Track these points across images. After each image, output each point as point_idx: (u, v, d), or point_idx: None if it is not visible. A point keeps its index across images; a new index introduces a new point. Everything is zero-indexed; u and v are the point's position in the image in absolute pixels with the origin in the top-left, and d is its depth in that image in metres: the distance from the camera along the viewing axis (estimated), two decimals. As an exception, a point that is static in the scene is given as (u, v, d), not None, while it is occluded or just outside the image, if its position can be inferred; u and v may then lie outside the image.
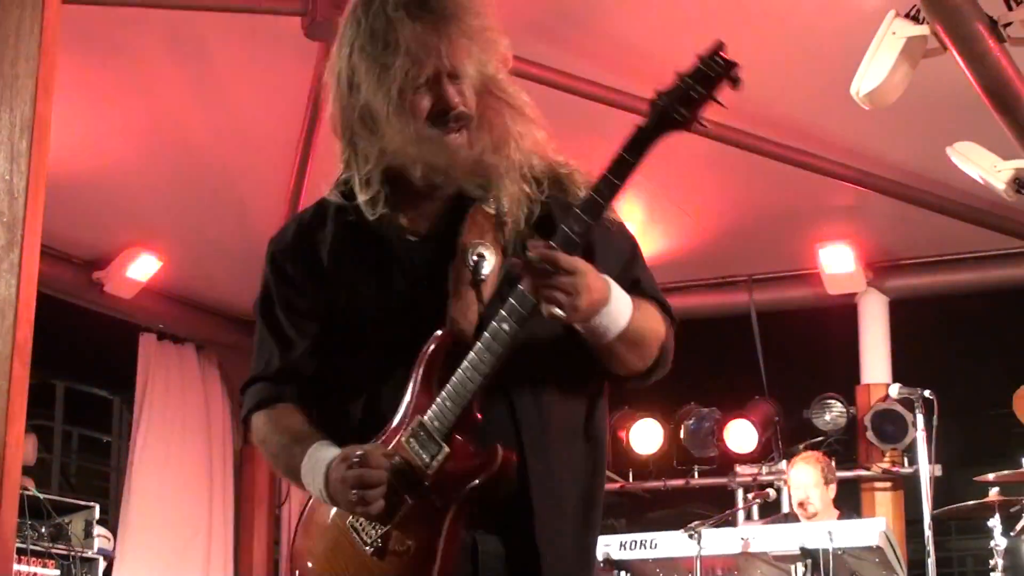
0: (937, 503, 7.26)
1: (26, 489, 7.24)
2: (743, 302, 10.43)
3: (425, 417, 2.71)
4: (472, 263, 2.77)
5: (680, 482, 10.19)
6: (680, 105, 2.62)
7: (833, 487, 8.05)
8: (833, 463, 8.66)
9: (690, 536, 7.01)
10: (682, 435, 10.06)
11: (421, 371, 2.75)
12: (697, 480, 10.15)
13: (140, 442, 10.44)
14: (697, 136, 8.54)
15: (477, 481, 2.66)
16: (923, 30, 6.11)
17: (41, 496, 7.32)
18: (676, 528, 7.11)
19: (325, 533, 2.86)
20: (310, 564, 2.87)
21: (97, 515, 7.64)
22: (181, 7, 7.41)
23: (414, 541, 2.70)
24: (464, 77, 2.78)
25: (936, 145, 7.39)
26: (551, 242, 2.58)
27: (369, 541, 2.75)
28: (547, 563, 2.72)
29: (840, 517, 7.77)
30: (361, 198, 2.85)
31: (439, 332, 2.75)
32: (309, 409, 2.94)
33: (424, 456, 2.69)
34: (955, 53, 6.10)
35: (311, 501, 2.93)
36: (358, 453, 2.67)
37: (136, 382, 10.57)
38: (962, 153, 7.06)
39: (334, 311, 2.90)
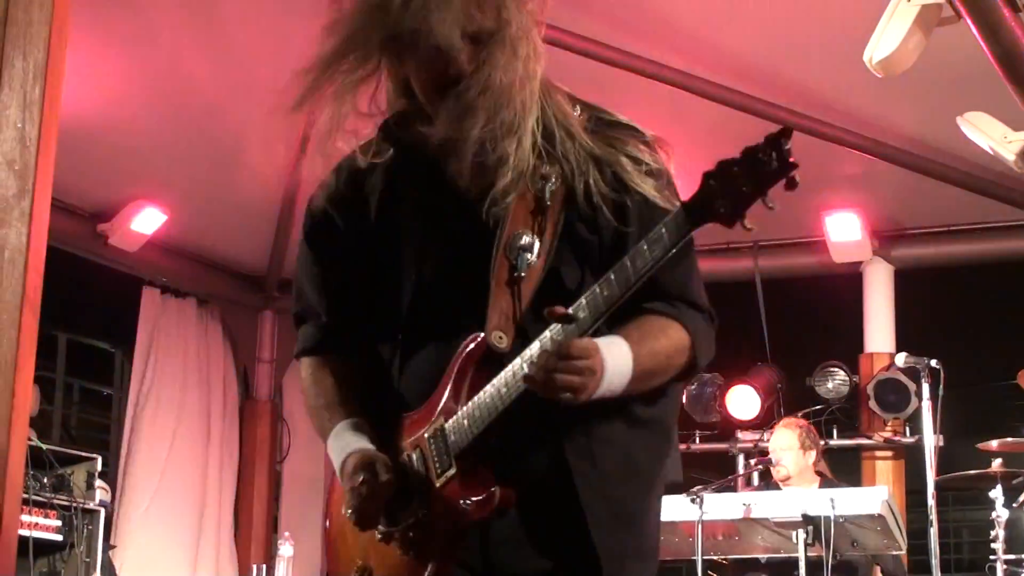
0: (938, 473, 7.27)
1: (29, 440, 7.25)
2: (748, 268, 10.41)
3: (447, 425, 2.69)
4: (514, 260, 2.69)
5: (681, 447, 10.16)
6: (725, 198, 2.42)
7: (813, 454, 7.97)
8: (834, 432, 8.67)
9: (692, 500, 7.01)
10: (684, 400, 10.06)
11: (455, 371, 2.72)
12: (698, 445, 10.15)
13: (140, 396, 10.44)
14: (706, 100, 8.54)
15: (468, 521, 2.67)
16: (938, -2, 6.08)
17: (44, 447, 7.33)
18: (678, 493, 7.11)
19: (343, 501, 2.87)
20: (340, 518, 2.86)
21: (99, 467, 7.65)
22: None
23: (415, 535, 2.72)
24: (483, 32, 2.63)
25: (947, 114, 7.37)
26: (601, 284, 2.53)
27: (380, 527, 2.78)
28: (596, 529, 2.67)
29: (822, 485, 7.75)
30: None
31: (475, 341, 2.70)
32: (355, 355, 2.94)
33: (436, 464, 2.70)
34: (969, 22, 6.07)
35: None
36: (363, 479, 2.68)
37: (138, 336, 10.56)
38: (972, 123, 7.04)
39: (376, 263, 2.87)
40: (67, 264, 9.81)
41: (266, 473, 11.36)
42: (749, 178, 2.38)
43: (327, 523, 2.97)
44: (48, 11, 2.91)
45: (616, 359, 2.60)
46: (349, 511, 2.71)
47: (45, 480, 7.21)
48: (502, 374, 2.62)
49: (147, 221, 10.02)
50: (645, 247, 2.49)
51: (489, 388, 2.63)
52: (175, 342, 10.83)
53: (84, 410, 11.63)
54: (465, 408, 2.67)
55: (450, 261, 2.78)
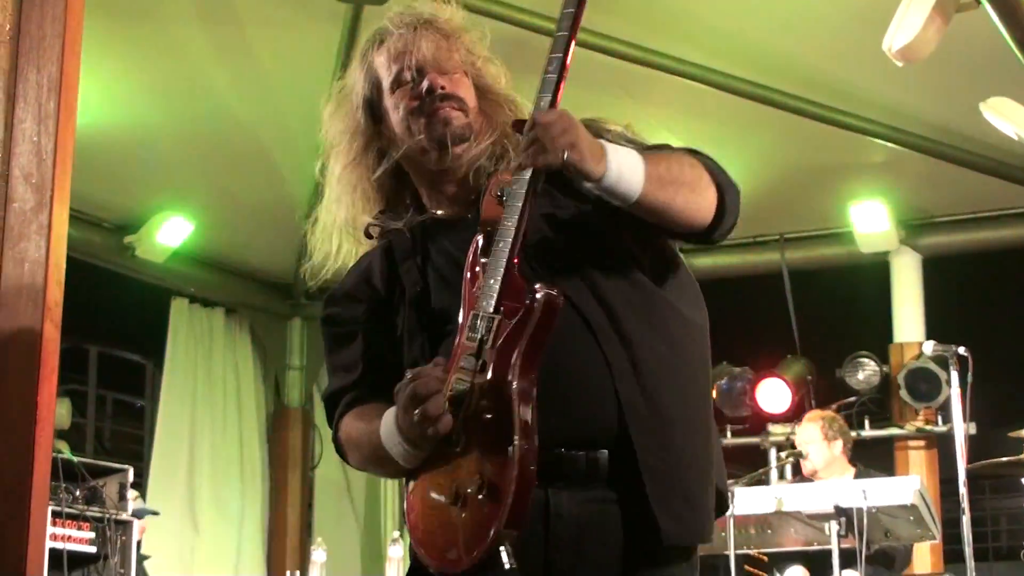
0: (971, 461, 7.23)
1: (60, 452, 7.29)
2: (775, 261, 10.41)
3: (475, 310, 2.63)
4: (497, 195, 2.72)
5: (712, 442, 10.17)
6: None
7: (839, 443, 7.93)
8: (866, 422, 8.64)
9: (723, 495, 6.99)
10: (714, 395, 10.04)
11: (467, 274, 2.70)
12: (730, 440, 10.13)
13: (171, 406, 10.49)
14: (729, 94, 8.54)
15: (531, 322, 2.57)
16: (956, -16, 6.06)
17: (75, 459, 7.36)
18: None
19: (422, 492, 2.78)
20: (422, 509, 2.76)
21: (131, 478, 7.68)
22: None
23: (484, 478, 2.57)
24: (453, 71, 2.89)
25: (969, 101, 7.34)
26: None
27: (447, 495, 2.63)
28: (665, 528, 2.62)
29: (857, 475, 7.73)
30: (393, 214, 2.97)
31: (474, 239, 2.71)
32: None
33: (484, 336, 2.59)
34: (988, 7, 6.05)
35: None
36: (409, 374, 2.63)
37: (167, 347, 10.61)
38: (996, 109, 7.01)
39: (399, 311, 2.90)
40: (95, 277, 9.87)
41: (299, 480, 11.39)
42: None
43: (413, 535, 2.89)
44: (61, 25, 2.92)
45: (617, 150, 2.66)
46: (416, 415, 2.59)
47: (78, 492, 7.24)
48: (502, 218, 2.67)
49: (174, 232, 10.06)
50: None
51: (497, 238, 2.65)
52: (205, 352, 10.87)
53: (117, 422, 11.70)
54: (481, 280, 2.65)
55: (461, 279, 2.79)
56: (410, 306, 2.87)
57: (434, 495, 2.69)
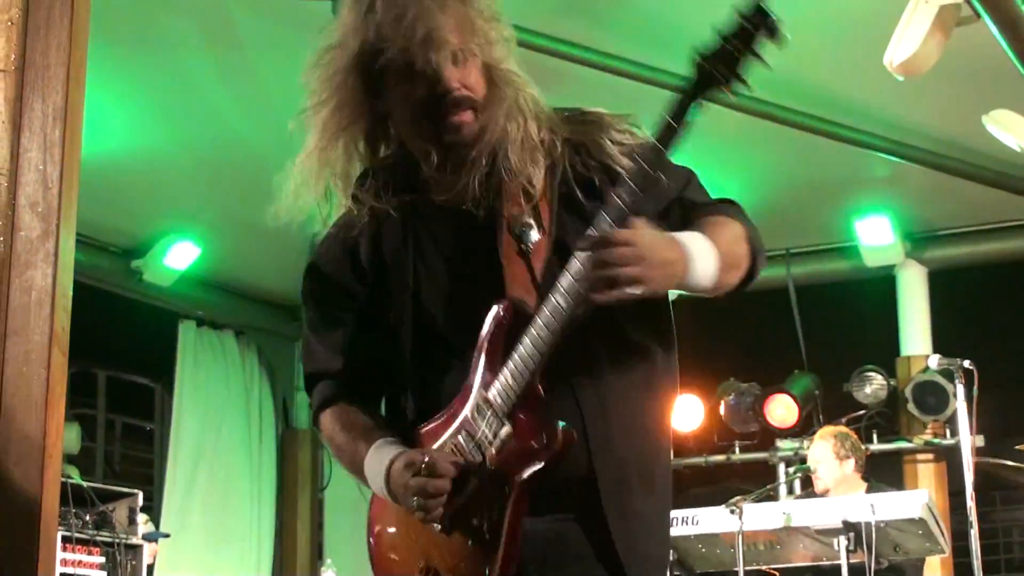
0: (978, 475, 7.22)
1: (69, 477, 7.31)
2: (781, 276, 10.41)
3: (490, 394, 2.67)
4: (518, 233, 2.74)
5: (721, 458, 10.18)
6: (720, 63, 2.53)
7: (850, 462, 7.90)
8: (874, 436, 8.62)
9: (732, 511, 7.00)
10: (722, 411, 10.05)
11: (485, 346, 2.72)
12: (738, 455, 10.14)
13: (181, 429, 10.50)
14: (731, 110, 8.53)
15: (541, 464, 2.62)
16: (956, -2, 6.08)
17: (84, 484, 7.38)
18: (718, 504, 7.10)
19: (395, 520, 2.87)
20: (389, 528, 2.88)
21: (141, 502, 7.69)
22: (211, -6, 7.45)
23: (479, 521, 2.67)
24: (467, 57, 2.73)
25: (972, 114, 7.36)
26: (604, 212, 2.54)
27: (416, 561, 2.77)
28: (620, 541, 2.69)
29: (869, 489, 7.72)
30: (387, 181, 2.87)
31: (498, 305, 2.71)
32: (373, 404, 2.97)
33: (487, 432, 2.66)
34: (989, 21, 6.07)
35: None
36: (425, 460, 2.65)
37: (176, 370, 10.63)
38: (998, 121, 7.04)
39: (384, 303, 2.89)
40: (103, 301, 9.89)
41: (309, 500, 11.40)
42: (736, 39, 2.52)
43: (372, 540, 2.94)
44: (65, 54, 2.94)
45: (697, 245, 2.63)
46: (414, 504, 2.66)
47: (87, 517, 7.25)
48: (538, 316, 2.61)
49: (180, 256, 10.10)
50: (660, 133, 2.57)
51: (527, 336, 2.62)
52: (213, 374, 10.90)
53: (126, 445, 11.70)
54: (504, 370, 2.66)
55: (457, 274, 2.82)
56: (399, 304, 2.86)
57: (399, 556, 2.83)
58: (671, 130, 2.56)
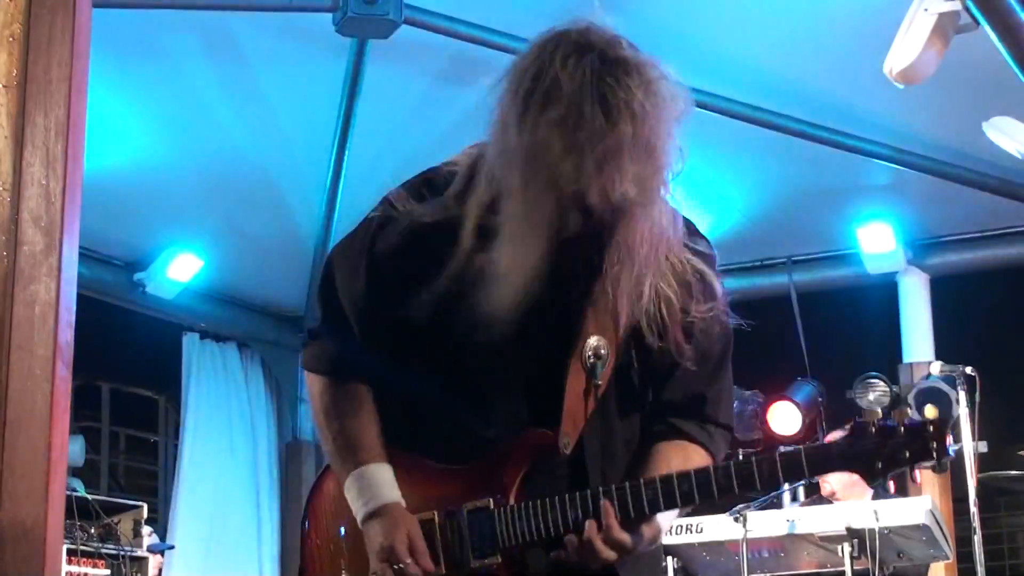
0: (983, 480, 7.23)
1: (74, 490, 7.32)
2: (783, 284, 10.41)
3: (497, 511, 2.68)
4: (589, 365, 2.69)
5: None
6: (884, 460, 2.57)
7: None
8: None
9: (736, 519, 7.00)
10: (726, 419, 10.02)
11: (512, 455, 2.71)
12: (742, 463, 10.12)
13: (187, 442, 10.51)
14: (733, 118, 8.51)
15: None
16: (955, 6, 6.07)
17: (89, 497, 7.39)
18: (721, 512, 7.10)
19: (351, 527, 2.86)
20: (326, 546, 2.93)
21: (146, 514, 7.71)
22: (214, 7, 7.46)
23: None
24: (618, 203, 2.50)
25: (972, 120, 7.37)
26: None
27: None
28: None
29: (876, 496, 7.73)
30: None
31: (546, 436, 2.70)
32: (377, 394, 2.87)
33: (476, 547, 2.68)
34: (988, 28, 6.07)
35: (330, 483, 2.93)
36: (407, 565, 2.66)
37: (180, 382, 10.64)
38: (998, 127, 7.04)
39: (444, 299, 2.72)
40: (107, 314, 9.90)
41: (313, 512, 11.37)
42: (910, 450, 2.54)
43: (307, 526, 2.99)
44: (67, 69, 2.96)
45: (667, 519, 2.72)
46: (380, 569, 2.69)
47: (92, 530, 7.27)
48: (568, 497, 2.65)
49: (183, 268, 10.09)
50: (785, 467, 2.60)
51: (551, 502, 2.65)
52: (217, 386, 10.89)
53: (131, 458, 11.71)
54: (524, 505, 2.66)
55: (527, 343, 2.71)
56: (436, 303, 2.73)
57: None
58: (798, 474, 2.65)
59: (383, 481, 2.78)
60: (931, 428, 2.52)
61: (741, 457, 2.47)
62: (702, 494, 2.60)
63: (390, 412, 2.87)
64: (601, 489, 2.62)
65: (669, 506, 2.61)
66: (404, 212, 2.75)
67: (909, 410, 7.97)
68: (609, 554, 2.58)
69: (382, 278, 2.79)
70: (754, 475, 2.58)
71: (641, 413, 2.79)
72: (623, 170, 2.44)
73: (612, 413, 2.76)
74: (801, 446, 2.61)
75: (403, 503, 2.76)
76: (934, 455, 2.51)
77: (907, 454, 2.53)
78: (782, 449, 2.63)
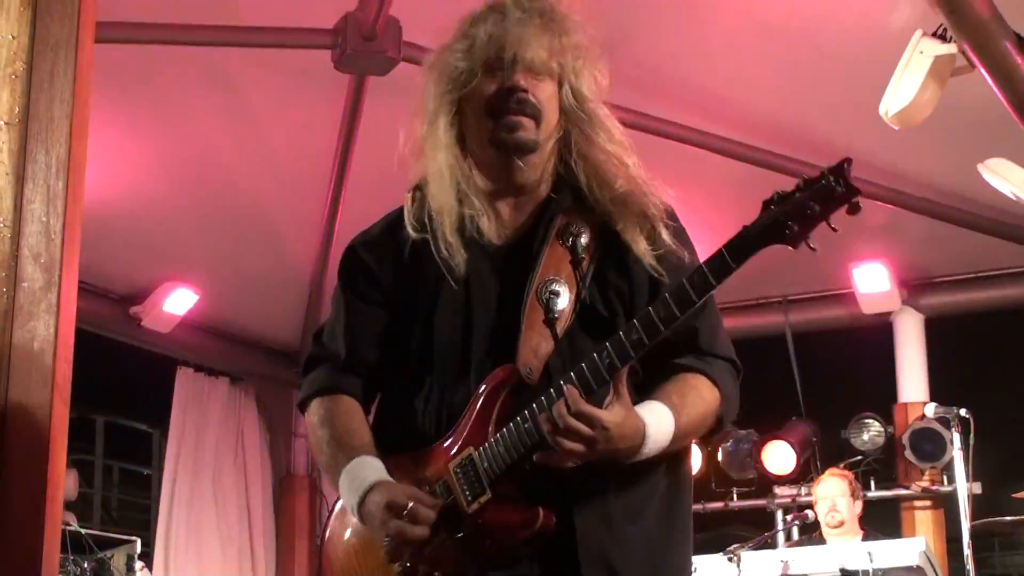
0: (977, 520, 7.23)
1: (68, 524, 7.30)
2: (778, 323, 10.43)
3: (476, 454, 2.71)
4: (545, 300, 2.76)
5: (719, 504, 10.17)
6: (793, 219, 2.57)
7: (859, 504, 8.05)
8: (872, 483, 8.63)
9: (729, 559, 7.00)
10: (720, 457, 10.04)
11: (480, 401, 2.75)
12: (736, 502, 10.13)
13: (177, 475, 10.48)
14: (728, 159, 8.54)
15: (514, 542, 2.68)
16: (950, 49, 6.11)
17: (83, 531, 7.37)
18: (716, 551, 7.10)
19: (360, 532, 2.89)
20: (339, 553, 2.93)
21: (139, 549, 7.69)
22: (213, 44, 7.47)
23: (440, 573, 2.72)
24: (543, 74, 2.82)
25: (967, 162, 7.39)
26: (622, 336, 2.61)
27: (399, 563, 2.76)
28: None
29: (865, 537, 7.74)
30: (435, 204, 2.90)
31: (504, 368, 2.75)
32: (366, 403, 2.98)
33: (467, 493, 2.70)
34: (983, 71, 6.11)
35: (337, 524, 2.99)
36: (409, 507, 2.68)
37: (172, 416, 10.62)
38: (993, 169, 7.06)
39: (406, 309, 2.91)
40: (102, 348, 9.90)
41: (307, 547, 11.36)
42: (817, 200, 2.53)
43: (327, 550, 3.00)
44: (69, 107, 2.98)
45: (659, 426, 2.69)
46: (385, 543, 2.71)
47: (86, 564, 7.25)
48: (536, 402, 2.66)
49: (179, 302, 10.09)
50: (713, 264, 2.61)
51: (526, 413, 2.66)
52: (211, 420, 10.87)
53: (124, 491, 11.71)
54: (497, 435, 2.69)
55: (481, 304, 2.83)
56: (419, 317, 2.89)
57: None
58: (725, 268, 2.61)
59: (373, 467, 2.82)
60: (827, 173, 2.53)
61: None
62: (648, 333, 2.59)
63: (380, 420, 2.98)
64: (561, 381, 2.65)
65: (623, 358, 2.60)
66: (362, 234, 3.06)
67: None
68: (583, 429, 2.55)
69: (353, 293, 3.02)
70: (686, 289, 2.59)
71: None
72: (531, 38, 2.78)
73: (582, 338, 2.77)
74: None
75: (393, 481, 2.80)
76: (842, 196, 2.51)
77: (816, 207, 2.53)
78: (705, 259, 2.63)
